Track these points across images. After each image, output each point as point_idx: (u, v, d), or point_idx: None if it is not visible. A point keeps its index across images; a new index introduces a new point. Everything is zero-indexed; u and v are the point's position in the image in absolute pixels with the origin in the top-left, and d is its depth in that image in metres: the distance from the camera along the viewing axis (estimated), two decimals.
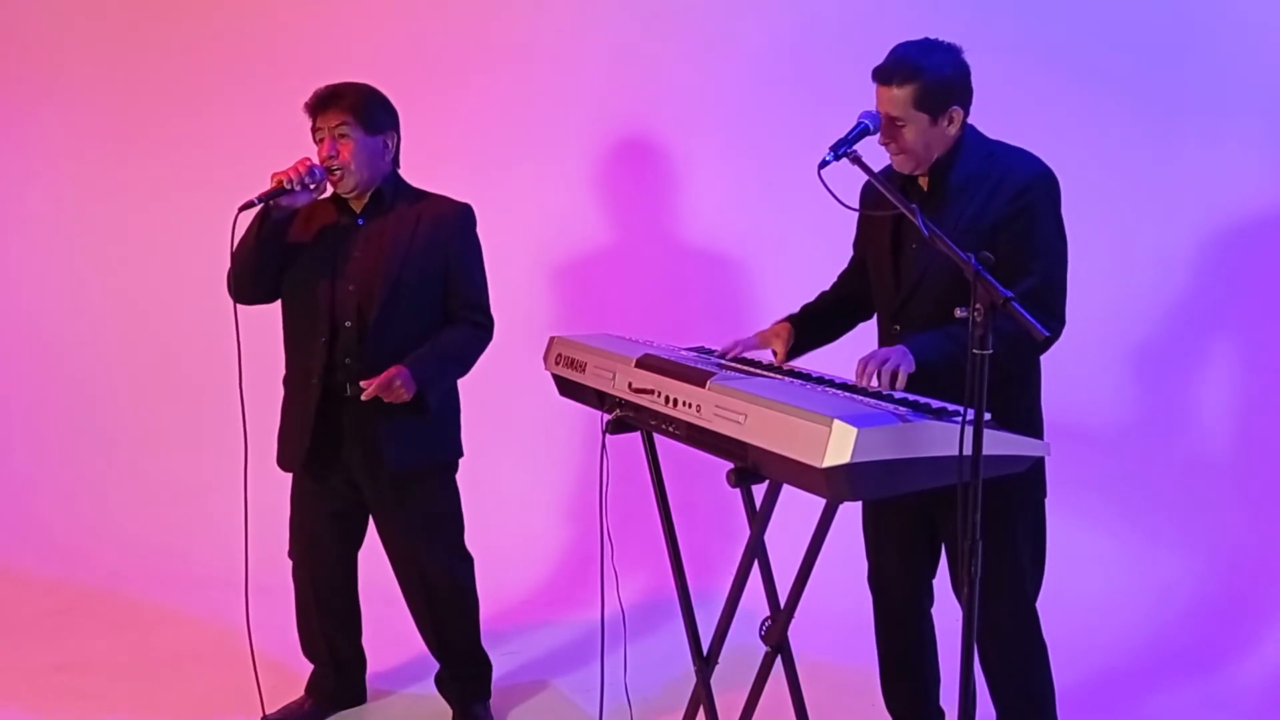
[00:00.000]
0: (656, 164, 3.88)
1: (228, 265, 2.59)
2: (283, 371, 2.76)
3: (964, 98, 2.21)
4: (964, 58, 2.21)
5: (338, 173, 2.59)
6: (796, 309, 2.55)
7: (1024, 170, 2.20)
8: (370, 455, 2.67)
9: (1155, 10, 3.44)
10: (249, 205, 2.50)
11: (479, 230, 2.77)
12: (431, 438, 2.73)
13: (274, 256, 2.63)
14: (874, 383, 2.02)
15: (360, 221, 2.67)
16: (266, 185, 2.51)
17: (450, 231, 2.70)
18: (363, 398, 2.55)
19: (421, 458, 2.71)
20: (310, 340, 2.65)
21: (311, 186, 2.53)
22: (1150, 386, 3.53)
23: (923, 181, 2.30)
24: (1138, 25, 3.44)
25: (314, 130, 2.64)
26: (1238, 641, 3.25)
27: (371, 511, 2.80)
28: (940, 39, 2.22)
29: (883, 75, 2.19)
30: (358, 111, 2.59)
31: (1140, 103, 3.46)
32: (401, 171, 2.75)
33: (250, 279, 2.62)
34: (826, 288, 2.62)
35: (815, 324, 2.49)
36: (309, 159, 2.55)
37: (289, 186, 2.49)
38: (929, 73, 2.15)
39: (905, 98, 2.15)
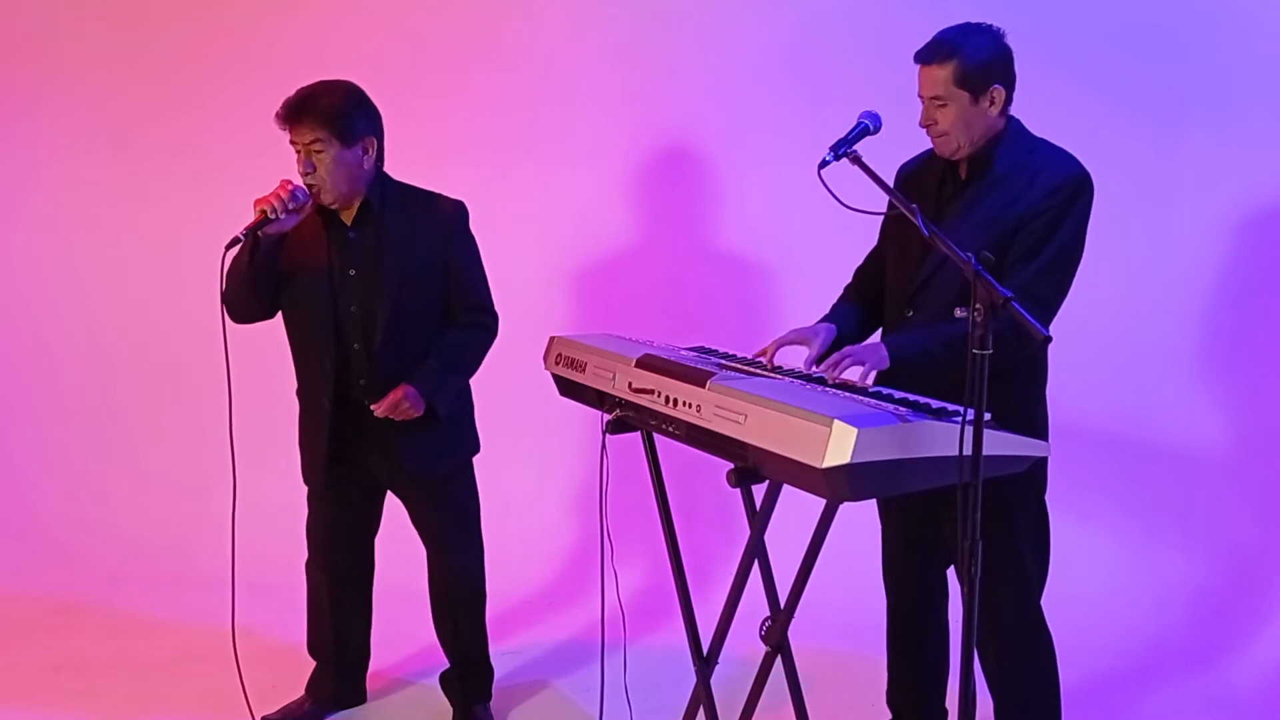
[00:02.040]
0: (658, 164, 3.87)
1: (222, 283, 2.50)
2: (282, 368, 2.74)
3: (1005, 78, 2.21)
4: (1006, 41, 2.21)
5: (315, 188, 2.49)
6: (812, 308, 2.51)
7: (1062, 169, 2.19)
8: (391, 463, 2.68)
9: (1158, 8, 3.43)
10: (236, 242, 2.42)
11: (480, 229, 2.76)
12: (449, 442, 2.73)
13: (268, 282, 2.56)
14: (834, 374, 2.03)
15: (352, 235, 2.61)
16: (268, 193, 2.43)
17: (447, 232, 2.65)
18: (375, 416, 2.56)
19: (441, 464, 2.72)
20: (318, 363, 2.63)
21: (295, 209, 2.44)
22: (1150, 385, 3.53)
23: (962, 171, 2.29)
24: (1140, 23, 3.44)
25: (291, 141, 2.53)
26: (1238, 640, 3.25)
27: (404, 504, 2.81)
28: (982, 23, 2.22)
29: (923, 56, 2.20)
30: (331, 123, 2.46)
31: (1142, 102, 3.46)
32: (400, 170, 2.72)
33: (246, 306, 2.58)
34: (837, 291, 2.58)
35: (867, 317, 2.45)
36: (290, 181, 2.46)
37: (273, 215, 2.40)
38: (968, 51, 2.16)
39: (945, 76, 2.16)
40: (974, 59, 2.16)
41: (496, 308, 2.78)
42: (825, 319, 2.39)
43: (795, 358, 2.22)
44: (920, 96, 2.22)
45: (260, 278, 2.52)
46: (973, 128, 2.20)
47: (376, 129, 2.58)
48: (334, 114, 2.47)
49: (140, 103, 4.16)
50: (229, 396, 2.44)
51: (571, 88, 3.89)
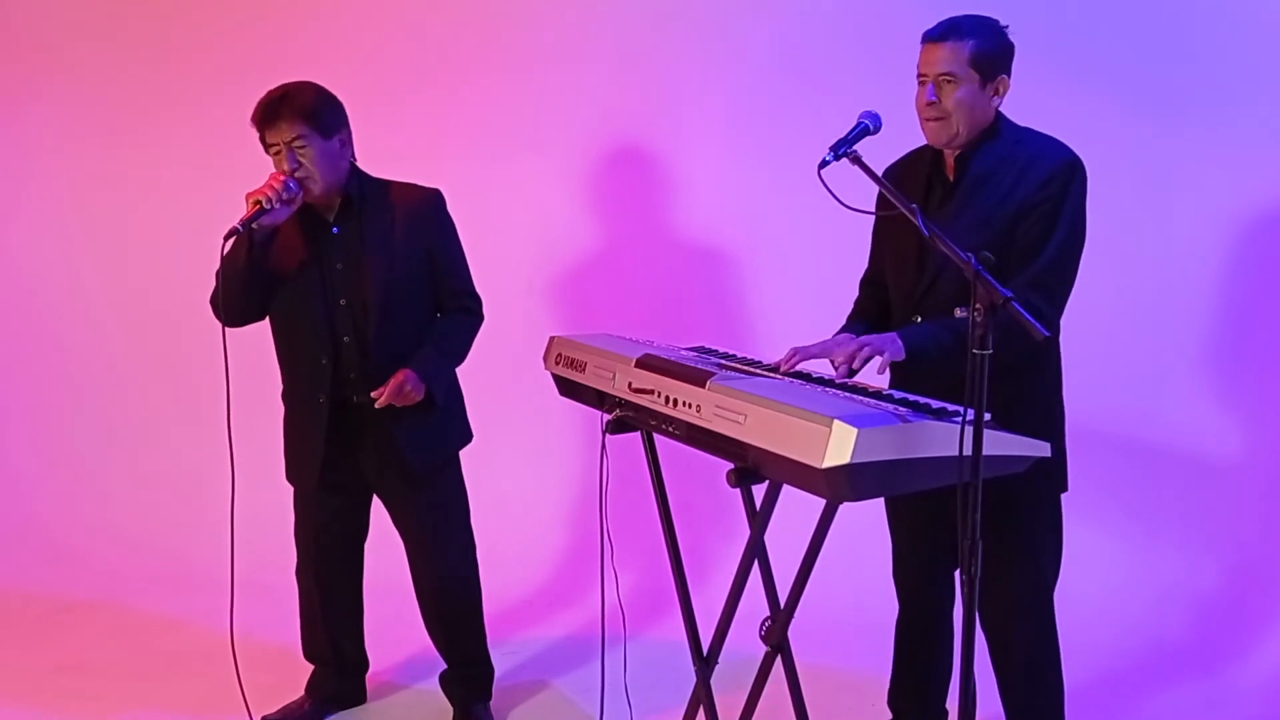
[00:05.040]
0: (658, 163, 3.87)
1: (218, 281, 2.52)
2: (277, 362, 2.74)
3: (1009, 71, 2.21)
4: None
5: (306, 180, 2.51)
6: (813, 307, 2.50)
7: (1051, 157, 2.18)
8: (389, 460, 2.68)
9: (1162, 6, 3.43)
10: (234, 233, 2.43)
11: (481, 226, 2.76)
12: (445, 431, 2.76)
13: (262, 278, 2.57)
14: (856, 365, 2.02)
15: (335, 230, 2.62)
16: (263, 196, 2.42)
17: (428, 221, 2.67)
18: (376, 405, 2.55)
19: (441, 455, 2.74)
20: (312, 362, 2.63)
21: (289, 200, 2.46)
22: (1153, 385, 3.53)
23: (949, 170, 2.28)
24: (1143, 21, 3.44)
25: (265, 146, 2.53)
26: (1239, 641, 3.25)
27: (387, 507, 2.81)
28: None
29: (938, 33, 2.17)
30: (310, 118, 2.49)
31: (1150, 101, 3.44)
32: (398, 169, 2.72)
33: (242, 303, 2.58)
34: (837, 290, 2.58)
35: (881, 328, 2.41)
36: (280, 174, 2.48)
37: (268, 206, 2.42)
38: (986, 33, 2.17)
39: (962, 54, 2.14)
40: (991, 43, 2.16)
41: (494, 309, 2.78)
42: (843, 330, 2.37)
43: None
44: (923, 75, 2.19)
45: (255, 272, 2.53)
46: (973, 114, 2.18)
47: (346, 121, 2.62)
48: (311, 109, 2.51)
49: (138, 95, 4.16)
50: (227, 394, 2.44)
51: (570, 87, 3.88)
